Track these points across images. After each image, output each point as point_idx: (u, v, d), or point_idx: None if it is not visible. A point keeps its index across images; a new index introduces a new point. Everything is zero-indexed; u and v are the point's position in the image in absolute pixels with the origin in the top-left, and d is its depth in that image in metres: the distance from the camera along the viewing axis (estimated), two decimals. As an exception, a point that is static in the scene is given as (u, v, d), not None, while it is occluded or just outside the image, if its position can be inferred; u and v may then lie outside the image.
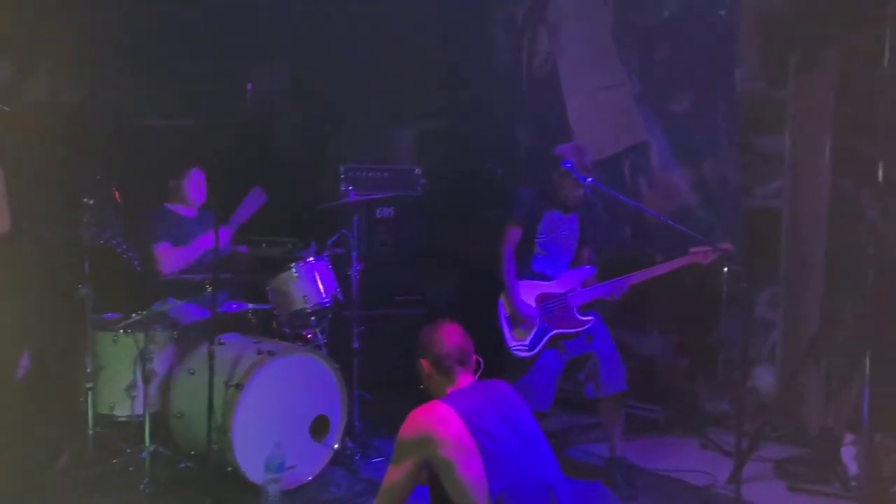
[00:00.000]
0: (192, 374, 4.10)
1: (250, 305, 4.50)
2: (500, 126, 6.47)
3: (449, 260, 5.84)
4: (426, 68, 6.18)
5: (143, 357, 4.02)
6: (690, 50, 5.38)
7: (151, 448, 3.99)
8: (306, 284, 4.39)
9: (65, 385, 4.26)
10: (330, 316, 4.61)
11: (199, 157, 4.77)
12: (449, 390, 2.85)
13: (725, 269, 3.88)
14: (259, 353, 4.03)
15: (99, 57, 5.19)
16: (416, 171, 5.89)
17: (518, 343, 4.11)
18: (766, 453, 4.46)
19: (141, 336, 4.03)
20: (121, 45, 5.32)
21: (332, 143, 6.14)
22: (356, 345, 4.68)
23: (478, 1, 6.50)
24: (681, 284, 4.59)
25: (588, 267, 4.26)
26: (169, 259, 4.44)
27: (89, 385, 3.95)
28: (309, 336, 4.50)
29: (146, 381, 4.02)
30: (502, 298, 4.19)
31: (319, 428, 4.13)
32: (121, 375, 4.06)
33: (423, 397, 2.86)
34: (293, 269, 4.39)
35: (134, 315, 4.07)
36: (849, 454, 4.19)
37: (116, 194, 4.07)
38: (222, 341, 4.10)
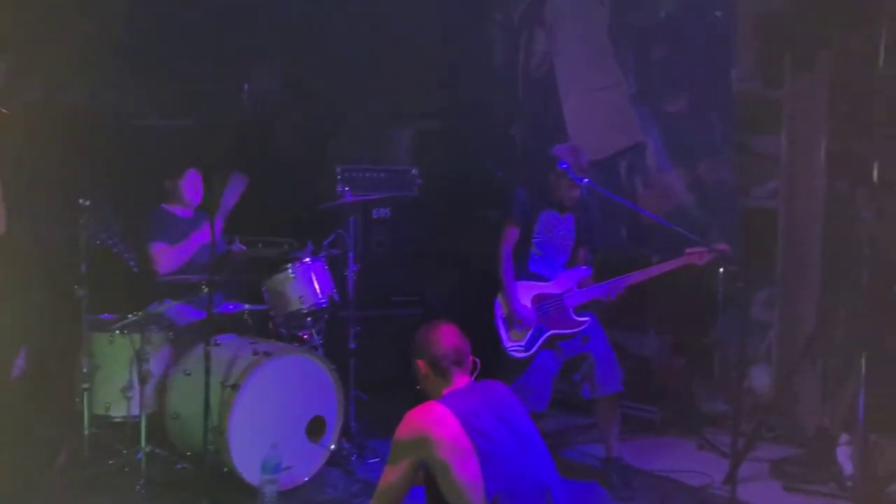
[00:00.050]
0: (189, 374, 4.10)
1: (246, 306, 4.49)
2: (496, 126, 6.47)
3: (445, 260, 5.84)
4: (423, 69, 6.18)
5: (140, 358, 4.01)
6: (687, 50, 5.38)
7: (147, 449, 3.99)
8: (303, 285, 4.38)
9: (61, 385, 4.26)
10: (326, 316, 4.61)
11: (195, 157, 4.77)
12: (445, 391, 2.85)
13: (721, 269, 3.89)
14: (255, 353, 4.03)
15: (96, 57, 5.18)
16: (413, 171, 5.89)
17: (514, 344, 4.12)
18: (762, 453, 4.47)
19: (137, 337, 4.03)
20: (118, 45, 5.32)
21: (329, 144, 6.14)
22: (352, 345, 4.68)
23: (475, 1, 6.50)
24: (677, 285, 4.60)
25: (584, 268, 4.26)
26: (165, 258, 4.43)
27: (85, 386, 3.95)
28: (305, 337, 4.49)
29: (142, 381, 4.01)
30: (499, 298, 4.20)
31: (316, 429, 4.13)
32: (117, 376, 4.05)
33: (420, 398, 2.86)
34: (289, 270, 4.39)
35: (130, 316, 4.07)
36: (844, 454, 4.20)
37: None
38: (218, 342, 4.09)
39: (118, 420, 4.08)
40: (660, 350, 5.47)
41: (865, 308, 4.18)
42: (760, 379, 5.10)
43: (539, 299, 4.16)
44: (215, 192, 4.44)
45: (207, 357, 3.79)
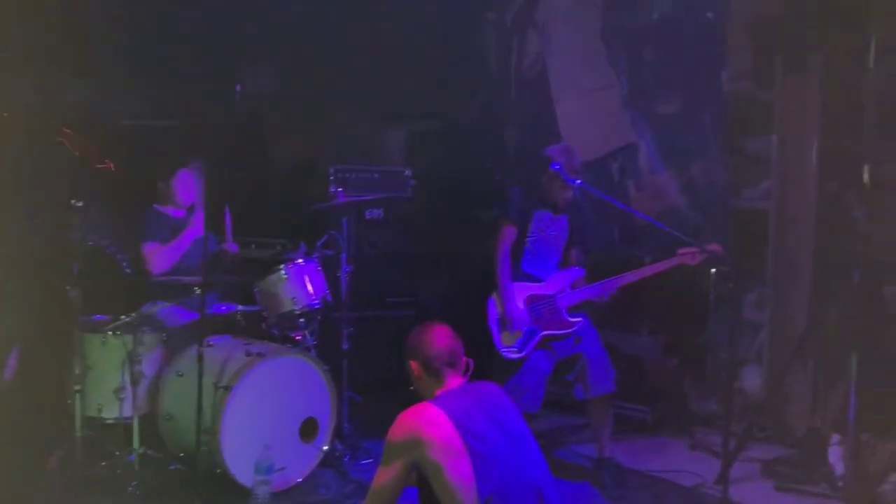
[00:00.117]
0: (181, 375, 4.09)
1: (239, 307, 4.49)
2: (489, 127, 6.48)
3: (439, 261, 5.84)
4: (416, 69, 6.18)
5: (132, 359, 4.00)
6: (679, 52, 5.40)
7: (140, 450, 3.98)
8: (295, 286, 4.38)
9: (53, 387, 4.24)
10: (319, 318, 4.60)
11: (188, 157, 4.76)
12: (438, 392, 2.85)
13: (713, 270, 3.90)
14: (248, 354, 4.03)
15: (89, 58, 5.17)
16: (406, 172, 5.89)
17: (507, 345, 4.12)
18: (754, 453, 4.49)
19: (130, 338, 4.02)
20: (110, 46, 5.30)
21: (322, 145, 6.13)
22: (346, 346, 4.67)
23: (468, 2, 6.51)
24: (669, 286, 4.61)
25: (577, 268, 4.27)
26: (158, 258, 4.43)
27: (77, 387, 3.93)
28: (298, 338, 4.49)
29: (135, 383, 4.01)
30: (494, 297, 4.20)
31: (309, 430, 4.13)
32: (109, 377, 4.04)
33: (413, 399, 2.86)
34: (282, 271, 4.38)
35: (123, 317, 4.06)
36: (835, 454, 4.21)
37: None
38: (211, 343, 4.09)
39: (110, 422, 4.06)
40: (652, 350, 5.48)
41: (856, 309, 4.20)
42: (752, 379, 5.12)
43: (532, 300, 4.17)
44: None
45: (200, 358, 3.78)
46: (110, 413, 4.05)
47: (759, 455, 4.50)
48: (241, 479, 3.82)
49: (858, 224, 4.23)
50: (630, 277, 4.07)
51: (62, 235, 3.94)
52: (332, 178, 5.57)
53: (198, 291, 3.97)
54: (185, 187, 4.66)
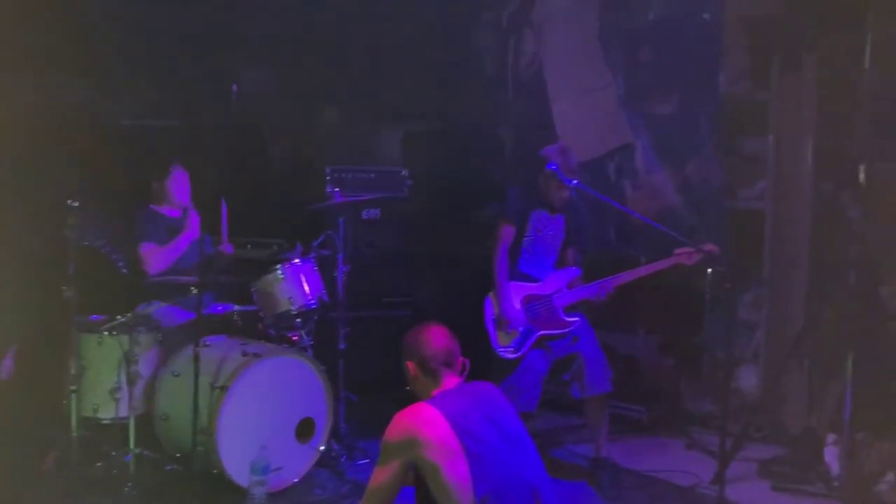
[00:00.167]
0: (177, 376, 4.08)
1: (236, 307, 4.48)
2: (486, 127, 6.48)
3: (435, 261, 5.84)
4: (412, 69, 6.18)
5: (128, 359, 4.00)
6: (675, 52, 5.40)
7: (136, 451, 3.97)
8: (292, 286, 4.38)
9: (48, 387, 4.23)
10: (316, 318, 4.60)
11: (184, 157, 4.75)
12: (435, 392, 2.85)
13: (710, 270, 3.91)
14: (244, 354, 4.02)
15: (84, 57, 5.15)
16: (403, 172, 5.89)
17: (504, 345, 4.12)
18: (750, 453, 4.49)
19: (126, 338, 4.01)
20: (107, 46, 5.29)
21: (318, 145, 6.13)
22: (342, 346, 4.67)
23: (464, 2, 6.51)
24: (666, 285, 4.61)
25: (574, 268, 4.28)
26: (155, 259, 4.42)
27: (73, 387, 3.93)
28: (295, 338, 4.48)
29: (131, 383, 4.00)
30: (491, 296, 4.20)
31: (305, 430, 4.13)
32: (105, 378, 4.03)
33: (410, 399, 2.86)
34: (279, 271, 4.38)
35: (119, 317, 4.05)
36: (831, 454, 4.22)
37: None
38: (207, 343, 4.08)
39: (106, 422, 4.06)
40: (648, 350, 5.48)
41: (852, 308, 4.21)
42: (748, 379, 5.13)
43: (529, 300, 4.17)
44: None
45: (196, 358, 3.78)
46: (106, 413, 4.04)
47: (755, 455, 4.50)
48: (238, 479, 3.82)
49: (854, 224, 4.24)
50: (626, 277, 4.07)
51: (58, 235, 3.93)
52: (328, 177, 5.57)
53: (194, 291, 3.96)
54: (180, 187, 4.65)
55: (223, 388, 3.85)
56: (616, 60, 5.73)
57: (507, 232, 4.18)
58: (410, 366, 2.92)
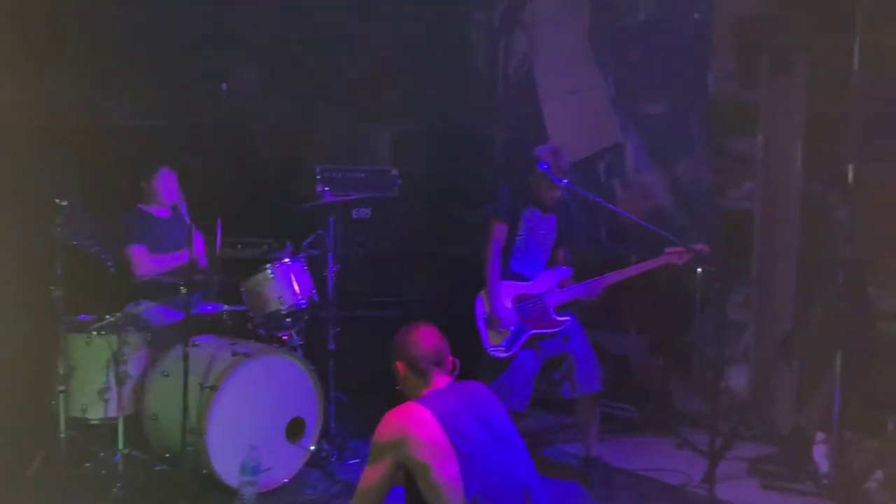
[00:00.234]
0: (167, 375, 4.07)
1: (225, 307, 4.46)
2: (476, 127, 6.48)
3: (426, 261, 5.84)
4: (403, 69, 6.18)
5: (117, 359, 3.97)
6: (665, 53, 5.42)
7: (125, 451, 3.95)
8: (282, 286, 4.36)
9: (36, 387, 4.20)
10: (306, 317, 4.59)
11: (172, 157, 4.73)
12: (425, 392, 2.84)
13: (699, 269, 3.91)
14: (234, 354, 4.01)
15: (74, 58, 5.13)
16: (393, 171, 5.89)
17: (495, 344, 4.12)
18: (740, 452, 4.50)
19: (114, 338, 3.99)
20: (95, 44, 5.26)
21: (308, 144, 6.12)
22: (332, 346, 4.66)
23: (455, 2, 6.51)
24: (656, 285, 4.62)
25: (565, 267, 4.28)
26: (144, 263, 4.42)
27: (61, 388, 3.89)
28: (285, 338, 4.47)
29: (119, 383, 3.98)
30: (482, 295, 4.20)
31: (295, 430, 4.12)
32: (94, 378, 4.01)
33: (401, 399, 2.85)
34: (268, 271, 4.36)
35: (107, 317, 4.03)
36: (820, 453, 4.24)
37: None
38: (197, 343, 4.07)
39: (95, 422, 4.04)
40: (639, 349, 5.50)
41: (841, 308, 4.23)
42: (738, 378, 5.15)
43: (520, 299, 4.17)
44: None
45: (186, 358, 3.76)
46: (95, 413, 4.02)
47: (745, 454, 4.52)
48: (227, 479, 3.81)
49: (843, 224, 4.26)
50: (617, 277, 4.08)
51: (46, 235, 3.90)
52: (318, 177, 5.56)
53: (183, 291, 3.94)
54: (168, 186, 4.64)
55: (213, 388, 3.83)
56: (606, 60, 5.74)
57: (499, 230, 4.18)
58: (400, 366, 2.91)
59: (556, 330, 4.14)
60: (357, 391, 4.98)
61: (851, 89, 4.52)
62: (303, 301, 4.40)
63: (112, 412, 4.00)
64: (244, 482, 3.72)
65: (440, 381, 2.88)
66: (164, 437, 4.05)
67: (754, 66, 5.05)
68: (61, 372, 3.91)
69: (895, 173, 4.39)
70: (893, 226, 4.31)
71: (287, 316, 4.40)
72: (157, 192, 4.63)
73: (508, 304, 4.15)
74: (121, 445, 3.95)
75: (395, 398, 2.87)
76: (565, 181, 4.07)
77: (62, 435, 3.89)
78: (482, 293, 4.20)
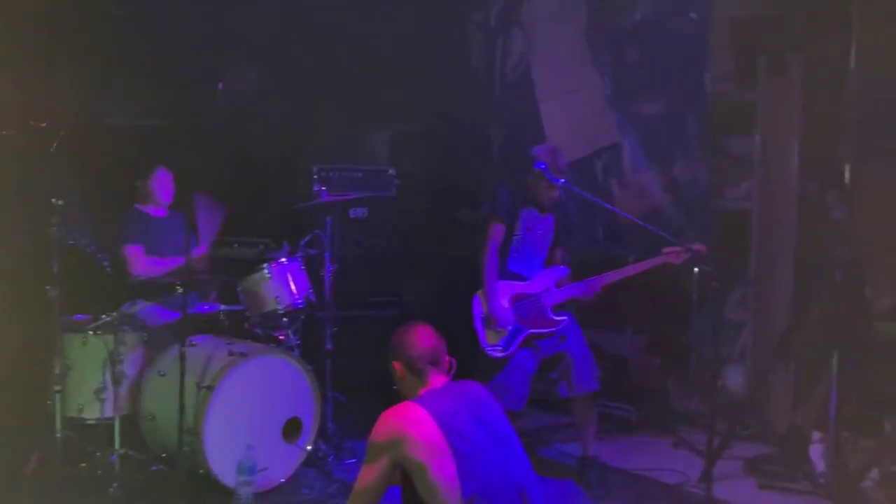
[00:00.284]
0: (163, 375, 4.06)
1: (222, 306, 4.46)
2: (474, 126, 6.48)
3: (423, 260, 5.84)
4: (400, 69, 6.18)
5: (113, 359, 3.97)
6: (662, 52, 5.43)
7: (121, 451, 3.95)
8: (279, 285, 4.36)
9: (32, 387, 4.19)
10: (303, 317, 4.58)
11: (170, 157, 4.73)
12: (422, 391, 2.84)
13: (696, 269, 3.92)
14: (231, 354, 4.00)
15: (70, 57, 5.12)
16: (390, 171, 5.88)
17: (492, 344, 4.12)
18: (737, 451, 4.51)
19: (111, 337, 3.98)
20: (92, 44, 5.25)
21: (305, 144, 6.11)
22: (329, 346, 4.66)
23: (452, 2, 6.51)
24: (653, 285, 4.62)
25: (562, 267, 4.28)
26: (140, 264, 4.42)
27: (57, 387, 3.88)
28: (281, 337, 4.47)
29: (116, 383, 3.97)
30: (479, 295, 4.20)
31: (292, 430, 4.11)
32: (90, 377, 4.00)
33: (398, 399, 2.85)
34: (265, 270, 4.36)
35: (104, 316, 4.02)
36: (817, 452, 4.25)
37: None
38: (193, 342, 4.06)
39: (91, 422, 4.02)
40: (636, 349, 5.50)
41: (838, 308, 4.23)
42: (735, 378, 5.15)
43: (517, 299, 4.17)
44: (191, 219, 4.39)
45: (182, 358, 3.75)
46: (91, 413, 4.01)
47: (742, 453, 4.52)
48: (224, 479, 3.80)
49: (840, 224, 4.26)
50: (614, 276, 4.08)
51: (42, 234, 3.89)
52: (315, 176, 5.56)
53: (180, 290, 3.94)
54: (164, 186, 4.64)
55: (209, 388, 3.82)
56: (603, 60, 5.75)
57: (496, 230, 4.18)
58: (397, 366, 2.91)
59: (554, 329, 4.14)
60: (354, 391, 4.97)
61: (848, 89, 4.53)
62: (300, 301, 4.40)
63: (108, 412, 3.99)
64: (241, 482, 3.72)
65: (437, 380, 2.88)
66: (160, 437, 4.04)
67: (751, 66, 5.06)
68: (57, 372, 3.90)
69: (892, 173, 4.40)
70: (890, 225, 4.32)
71: (284, 316, 4.40)
72: (154, 192, 4.62)
73: (506, 303, 4.15)
74: (117, 445, 3.94)
75: (393, 398, 2.86)
76: (562, 181, 4.07)
77: (58, 435, 3.88)
78: (479, 293, 4.20)
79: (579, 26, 5.87)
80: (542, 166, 4.06)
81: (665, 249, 4.00)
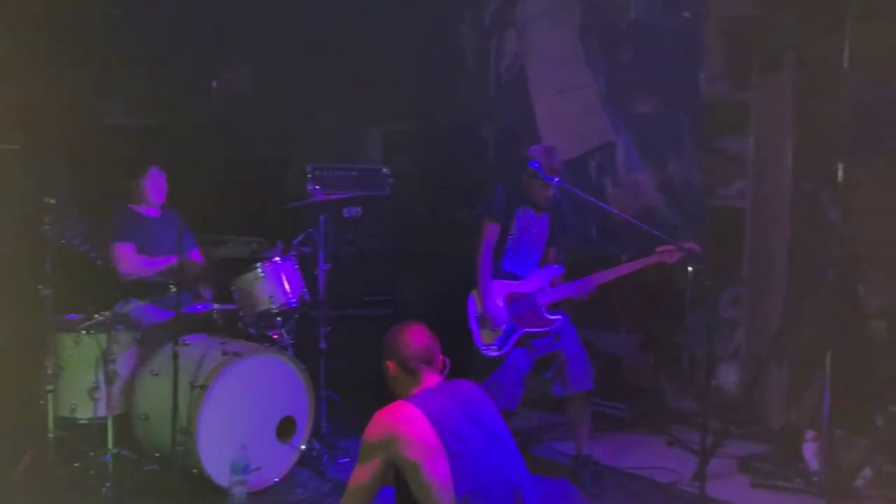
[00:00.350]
0: (156, 375, 4.05)
1: (215, 306, 4.45)
2: (468, 126, 6.48)
3: (417, 260, 5.84)
4: (395, 68, 6.17)
5: (106, 358, 3.95)
6: (656, 52, 5.43)
7: (114, 451, 3.93)
8: (272, 285, 4.35)
9: (25, 387, 4.18)
10: (297, 316, 4.58)
11: (163, 156, 4.71)
12: (415, 391, 2.84)
13: (690, 268, 3.92)
14: (224, 353, 3.99)
15: (66, 57, 5.10)
16: (384, 170, 5.88)
17: (487, 343, 4.12)
18: (731, 450, 4.52)
19: (104, 337, 3.97)
20: (85, 43, 5.24)
21: (299, 143, 6.10)
22: (323, 345, 4.65)
23: (446, 1, 6.50)
24: (647, 284, 4.63)
25: (556, 266, 4.28)
26: (130, 262, 4.41)
27: (50, 387, 3.87)
28: (275, 337, 4.46)
29: (109, 382, 3.96)
30: (474, 294, 4.19)
31: (286, 429, 4.10)
32: (83, 377, 3.99)
33: (391, 398, 2.85)
34: (259, 269, 4.35)
35: (96, 316, 4.01)
36: (810, 450, 4.26)
37: None
38: (187, 342, 4.05)
39: (84, 422, 4.01)
40: (630, 348, 5.51)
41: (831, 307, 4.24)
42: (728, 377, 5.16)
43: (512, 298, 4.17)
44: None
45: (175, 357, 3.74)
46: (84, 413, 4.00)
47: (735, 451, 4.53)
48: (218, 479, 3.79)
49: (833, 223, 4.27)
50: (608, 275, 4.08)
51: (35, 233, 3.88)
52: (309, 175, 5.55)
53: (173, 290, 3.93)
54: (157, 186, 4.62)
55: (203, 388, 3.81)
56: (597, 60, 5.75)
57: (491, 229, 4.18)
58: (391, 365, 2.90)
59: (548, 329, 4.14)
60: (348, 390, 4.97)
61: (841, 89, 4.53)
62: (293, 300, 4.39)
63: (101, 411, 3.98)
64: (235, 482, 3.71)
65: (431, 380, 2.88)
66: (154, 437, 4.03)
67: (745, 65, 5.06)
68: (50, 371, 3.89)
69: (885, 173, 4.41)
70: (884, 224, 4.33)
71: (278, 315, 4.39)
72: (147, 192, 4.61)
73: (500, 302, 4.15)
74: (110, 445, 3.93)
75: (386, 397, 2.86)
76: (557, 180, 4.07)
77: (51, 435, 3.87)
78: (474, 292, 4.19)
79: (573, 26, 5.87)
80: (537, 165, 4.06)
81: (659, 248, 4.01)
